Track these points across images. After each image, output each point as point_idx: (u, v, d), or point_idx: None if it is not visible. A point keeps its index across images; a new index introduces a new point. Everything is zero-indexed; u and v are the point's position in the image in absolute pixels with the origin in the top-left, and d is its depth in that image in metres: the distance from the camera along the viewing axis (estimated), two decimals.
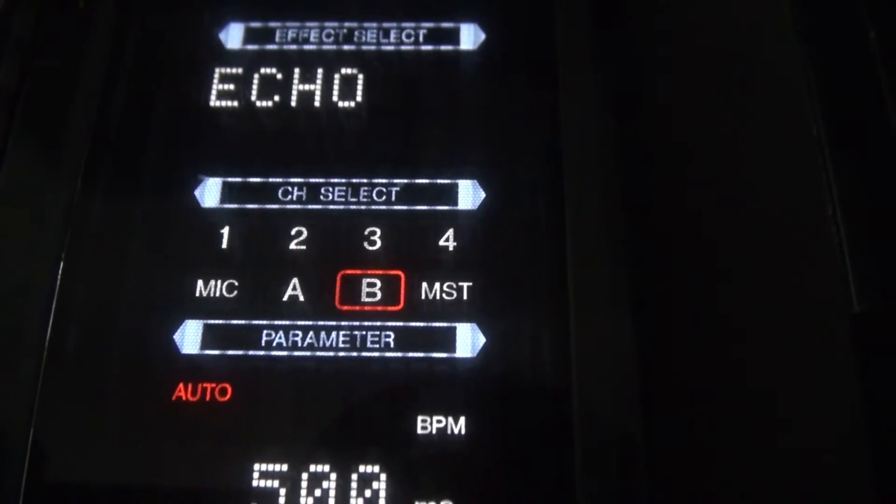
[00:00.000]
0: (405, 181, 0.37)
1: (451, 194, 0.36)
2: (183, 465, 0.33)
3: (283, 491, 0.33)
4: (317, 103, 0.38)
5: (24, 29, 0.39)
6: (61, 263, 0.35)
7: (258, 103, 0.38)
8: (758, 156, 0.33)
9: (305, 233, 0.36)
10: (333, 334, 0.35)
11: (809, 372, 0.30)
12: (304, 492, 0.33)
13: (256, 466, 0.33)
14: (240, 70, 0.39)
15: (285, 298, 0.35)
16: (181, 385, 0.34)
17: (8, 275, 0.35)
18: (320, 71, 0.39)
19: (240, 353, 0.34)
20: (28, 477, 0.33)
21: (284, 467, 0.33)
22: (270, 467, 0.33)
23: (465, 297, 0.35)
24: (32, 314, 0.34)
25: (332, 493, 0.33)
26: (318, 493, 0.33)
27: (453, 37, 0.40)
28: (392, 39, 0.40)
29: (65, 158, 0.37)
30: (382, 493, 0.32)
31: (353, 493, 0.32)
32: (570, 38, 0.38)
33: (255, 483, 0.33)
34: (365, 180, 0.37)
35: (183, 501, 0.33)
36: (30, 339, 0.34)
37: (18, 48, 0.39)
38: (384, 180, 0.37)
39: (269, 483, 0.33)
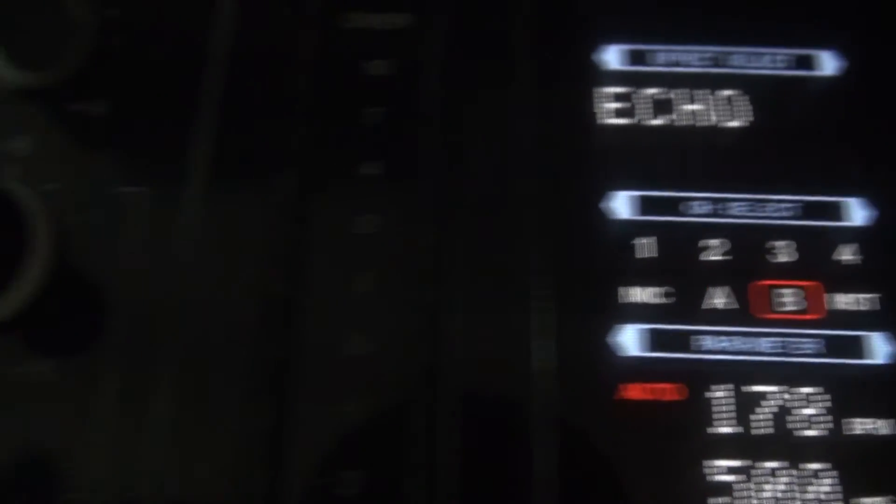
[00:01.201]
0: (801, 198, 0.37)
1: (843, 211, 0.37)
2: (634, 461, 0.33)
3: (738, 486, 0.32)
4: (703, 122, 0.38)
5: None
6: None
7: (649, 122, 0.38)
8: None
9: (716, 245, 0.36)
10: (759, 341, 0.34)
11: None
12: (756, 486, 0.32)
13: (709, 462, 0.33)
14: (626, 90, 0.38)
15: (707, 306, 0.35)
16: (623, 386, 0.34)
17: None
18: (701, 92, 0.39)
19: (675, 355, 0.34)
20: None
21: (736, 463, 0.33)
22: (723, 463, 0.33)
23: (874, 307, 0.35)
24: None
25: (780, 487, 0.32)
26: (768, 487, 0.32)
27: (814, 63, 0.39)
28: (760, 64, 0.39)
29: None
30: (827, 489, 0.32)
31: (800, 488, 0.32)
32: None
33: (711, 478, 0.32)
34: (764, 196, 0.37)
35: (638, 494, 0.32)
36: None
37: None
38: (781, 196, 0.37)
39: (724, 478, 0.32)
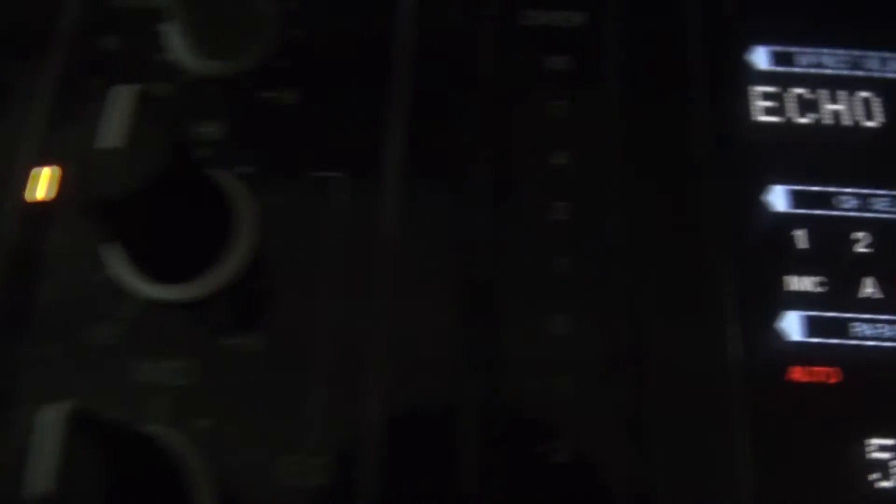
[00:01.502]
0: None
1: None
2: (799, 439, 0.35)
3: (893, 463, 0.35)
4: (845, 122, 0.40)
5: None
6: None
7: (797, 120, 0.39)
8: None
9: (863, 238, 0.38)
10: None
11: None
12: None
13: (867, 441, 0.35)
14: (774, 89, 0.40)
15: (861, 295, 0.37)
16: (791, 368, 0.35)
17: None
18: (841, 93, 0.40)
19: (837, 341, 0.36)
20: None
21: (890, 441, 0.35)
22: (882, 441, 0.35)
23: None
24: None
25: None
26: None
27: None
28: (890, 68, 0.41)
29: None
30: None
31: None
32: None
33: (869, 456, 0.34)
34: None
35: (815, 470, 0.34)
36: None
37: None
38: None
39: (880, 455, 0.35)
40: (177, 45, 0.38)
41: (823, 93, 0.41)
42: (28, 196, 0.37)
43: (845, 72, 0.41)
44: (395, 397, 0.33)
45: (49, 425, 0.26)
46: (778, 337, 0.36)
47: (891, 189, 0.39)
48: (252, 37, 0.37)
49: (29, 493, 0.25)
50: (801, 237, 0.38)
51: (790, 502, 0.33)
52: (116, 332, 0.34)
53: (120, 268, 0.34)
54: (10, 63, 0.39)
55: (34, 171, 0.38)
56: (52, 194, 0.37)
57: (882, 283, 0.37)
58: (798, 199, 0.38)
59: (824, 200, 0.39)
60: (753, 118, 0.40)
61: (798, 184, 0.39)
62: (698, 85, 0.38)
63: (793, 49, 0.41)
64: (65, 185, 0.37)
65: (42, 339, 0.35)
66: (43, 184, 0.38)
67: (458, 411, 0.32)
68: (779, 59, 0.41)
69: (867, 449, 0.35)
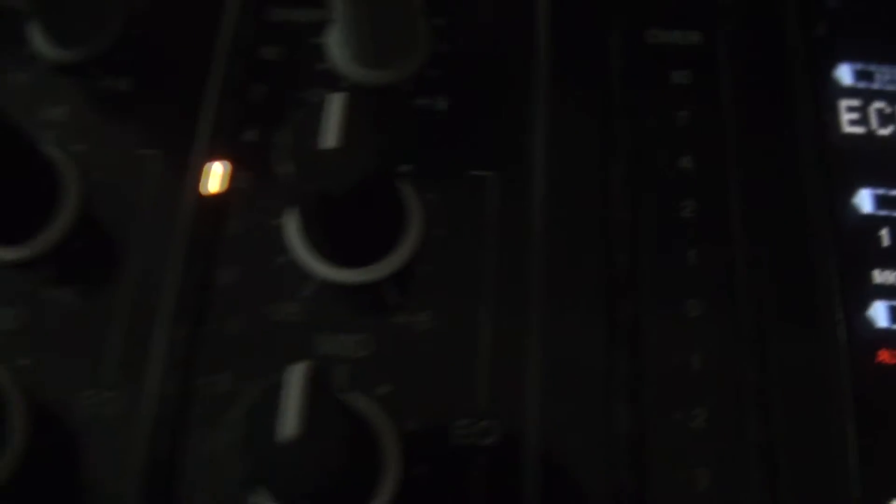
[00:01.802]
0: None
1: None
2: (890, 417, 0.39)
3: None
4: None
5: None
6: None
7: (879, 132, 0.44)
8: None
9: None
10: None
11: None
12: None
13: None
14: (858, 103, 0.45)
15: None
16: (880, 352, 0.40)
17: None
18: None
19: None
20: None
21: None
22: None
23: None
24: None
25: None
26: None
27: None
28: None
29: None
30: None
31: None
32: None
33: None
34: None
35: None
36: None
37: None
38: None
39: None
40: (336, 55, 0.42)
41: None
42: (202, 189, 0.41)
43: None
44: (551, 366, 0.37)
45: (295, 380, 0.30)
46: (869, 324, 0.41)
47: None
48: (407, 49, 0.41)
49: (280, 437, 0.29)
50: (885, 236, 0.43)
51: (888, 473, 0.38)
52: (296, 310, 0.38)
53: (300, 252, 0.38)
54: (179, 69, 0.43)
55: (206, 166, 0.42)
56: (224, 187, 0.41)
57: None
58: (881, 202, 0.43)
59: None
60: (842, 130, 0.45)
61: (881, 188, 0.44)
62: (798, 98, 0.43)
63: (872, 67, 0.46)
64: (236, 180, 0.41)
65: (224, 317, 0.39)
66: (215, 178, 0.42)
67: (608, 379, 0.37)
68: (860, 75, 0.46)
69: None
